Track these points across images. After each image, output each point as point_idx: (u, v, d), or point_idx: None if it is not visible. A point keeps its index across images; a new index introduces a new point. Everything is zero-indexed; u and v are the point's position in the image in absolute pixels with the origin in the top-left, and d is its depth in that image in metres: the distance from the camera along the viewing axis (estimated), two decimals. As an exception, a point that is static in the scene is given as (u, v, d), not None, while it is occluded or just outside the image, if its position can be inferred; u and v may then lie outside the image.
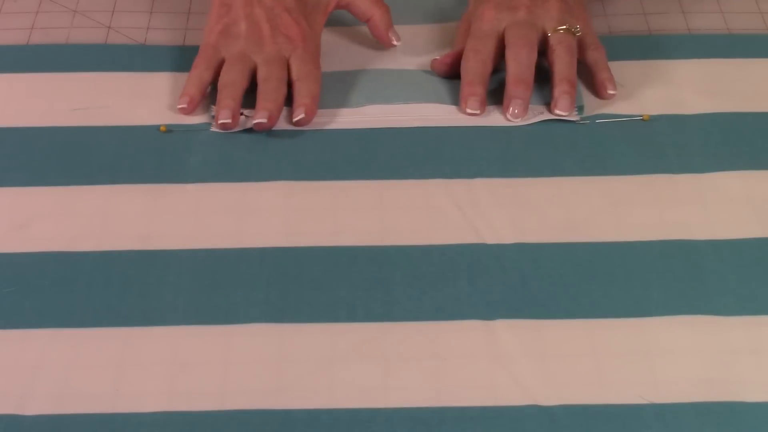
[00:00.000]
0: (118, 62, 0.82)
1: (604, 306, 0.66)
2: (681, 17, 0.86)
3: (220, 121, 0.76)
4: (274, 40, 0.78)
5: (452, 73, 0.80)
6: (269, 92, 0.76)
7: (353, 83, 0.80)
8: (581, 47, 0.79)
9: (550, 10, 0.78)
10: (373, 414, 0.61)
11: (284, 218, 0.71)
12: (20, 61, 0.82)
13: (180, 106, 0.77)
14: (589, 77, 0.79)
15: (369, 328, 0.65)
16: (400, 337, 0.64)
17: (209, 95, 0.78)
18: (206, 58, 0.78)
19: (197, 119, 0.77)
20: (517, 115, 0.76)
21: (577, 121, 0.77)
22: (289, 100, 0.77)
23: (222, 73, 0.77)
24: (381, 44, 0.82)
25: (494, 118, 0.77)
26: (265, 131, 0.76)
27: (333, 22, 0.84)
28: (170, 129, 0.77)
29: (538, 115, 0.77)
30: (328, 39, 0.84)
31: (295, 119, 0.76)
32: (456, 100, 0.78)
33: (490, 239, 0.70)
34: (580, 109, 0.77)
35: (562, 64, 0.77)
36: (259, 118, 0.75)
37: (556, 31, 0.78)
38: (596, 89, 0.79)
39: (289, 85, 0.77)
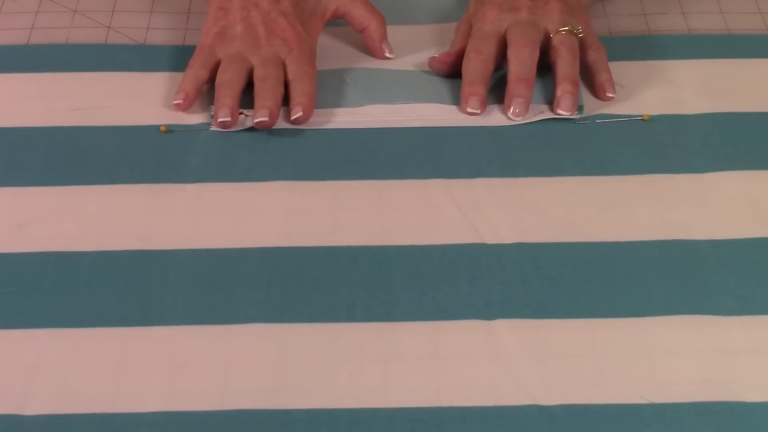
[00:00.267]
0: (117, 62, 0.82)
1: (604, 306, 0.66)
2: (681, 17, 0.86)
3: (220, 120, 0.76)
4: (269, 42, 0.78)
5: (452, 73, 0.80)
6: (267, 91, 0.76)
7: (353, 83, 0.80)
8: (582, 48, 0.79)
9: (552, 11, 0.79)
10: (373, 414, 0.61)
11: (284, 218, 0.71)
12: (20, 61, 0.82)
13: (176, 102, 0.77)
14: (589, 78, 0.79)
15: (369, 328, 0.65)
16: (400, 337, 0.64)
17: (207, 96, 0.78)
18: (202, 57, 0.78)
19: (197, 119, 0.77)
20: (519, 113, 0.76)
21: (577, 120, 0.77)
22: (286, 101, 0.77)
23: (219, 73, 0.77)
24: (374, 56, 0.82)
25: (494, 118, 0.77)
26: (265, 130, 0.76)
27: (334, 22, 0.84)
28: (170, 129, 0.77)
29: (538, 114, 0.77)
30: (329, 38, 0.84)
31: (292, 117, 0.76)
32: (456, 99, 0.78)
33: (490, 239, 0.70)
34: (581, 108, 0.77)
35: (565, 64, 0.77)
36: (260, 117, 0.75)
37: (558, 32, 0.78)
38: (596, 91, 0.79)
39: (286, 86, 0.77)
